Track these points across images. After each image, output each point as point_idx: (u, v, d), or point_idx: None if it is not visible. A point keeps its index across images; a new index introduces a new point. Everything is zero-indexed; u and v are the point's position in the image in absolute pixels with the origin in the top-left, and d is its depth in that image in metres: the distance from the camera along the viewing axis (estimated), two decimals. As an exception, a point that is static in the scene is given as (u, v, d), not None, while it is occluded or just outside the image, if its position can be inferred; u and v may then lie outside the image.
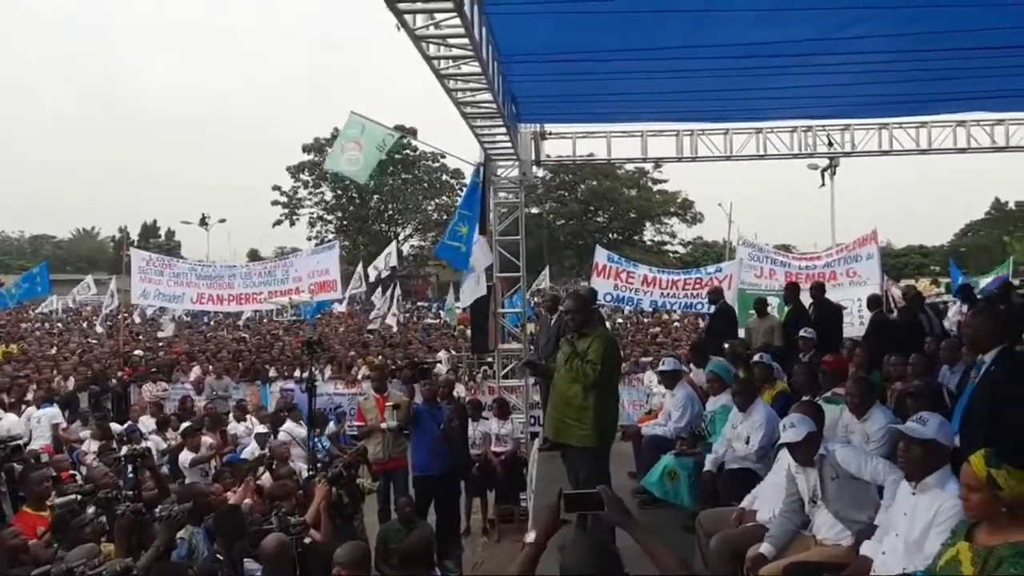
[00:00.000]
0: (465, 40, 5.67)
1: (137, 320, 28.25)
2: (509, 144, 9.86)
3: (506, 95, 8.03)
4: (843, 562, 4.12)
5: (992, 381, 4.42)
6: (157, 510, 5.46)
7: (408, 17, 5.40)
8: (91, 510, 5.63)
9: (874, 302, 10.61)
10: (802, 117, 10.82)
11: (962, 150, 11.50)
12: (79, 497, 5.46)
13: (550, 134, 11.53)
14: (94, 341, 23.33)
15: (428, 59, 5.88)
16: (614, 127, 11.58)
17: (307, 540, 5.56)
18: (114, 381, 16.38)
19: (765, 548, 4.56)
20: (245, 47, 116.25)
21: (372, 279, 24.59)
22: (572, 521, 2.94)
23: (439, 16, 5.51)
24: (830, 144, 16.29)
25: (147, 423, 12.10)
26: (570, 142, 11.84)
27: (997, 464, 3.12)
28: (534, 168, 11.79)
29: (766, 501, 5.15)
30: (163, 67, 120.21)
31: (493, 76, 6.73)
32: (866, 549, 4.06)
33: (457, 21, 5.36)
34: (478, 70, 6.54)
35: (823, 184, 25.97)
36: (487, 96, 7.29)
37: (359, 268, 24.77)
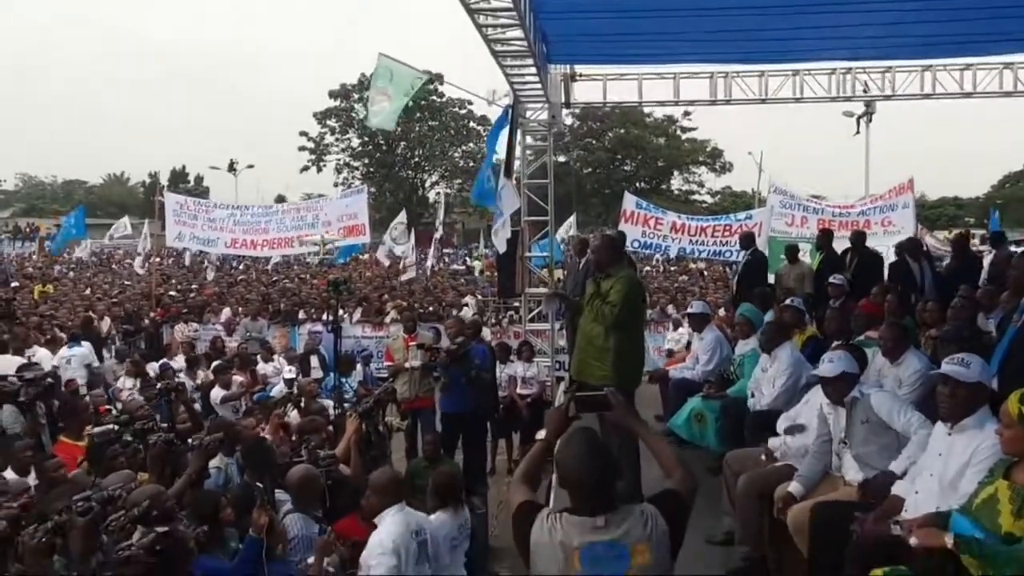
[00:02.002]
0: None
1: (181, 263, 28.66)
2: (539, 85, 9.67)
3: (537, 32, 7.83)
4: (872, 501, 4.09)
5: (1034, 324, 4.33)
6: (189, 441, 5.60)
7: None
8: (127, 439, 5.78)
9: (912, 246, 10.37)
10: (841, 59, 10.45)
11: (1008, 93, 11.08)
12: (116, 427, 5.58)
13: (580, 76, 11.28)
14: (127, 283, 23.71)
15: (459, -9, 5.74)
16: (645, 69, 11.28)
17: (337, 474, 5.67)
18: (147, 321, 16.72)
19: (794, 487, 4.55)
20: None
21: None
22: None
23: (470, -56, 5.36)
24: (866, 91, 15.89)
25: (178, 362, 12.35)
26: (600, 84, 11.58)
27: None
28: (563, 111, 11.58)
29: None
30: (190, 13, 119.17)
31: (525, 11, 6.56)
32: (898, 489, 4.02)
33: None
34: (509, 4, 6.37)
35: (858, 132, 25.36)
36: (518, 33, 7.12)
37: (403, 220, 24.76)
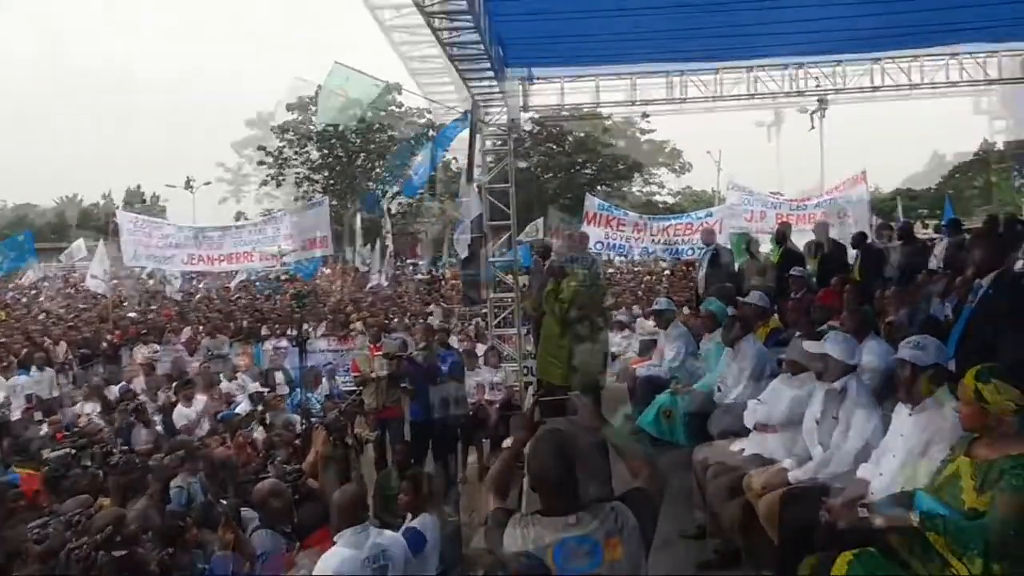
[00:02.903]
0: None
1: (140, 285, 28.09)
2: (496, 89, 9.67)
3: (492, 36, 7.83)
4: (841, 485, 4.13)
5: (990, 303, 4.42)
6: (150, 462, 5.48)
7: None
8: (86, 464, 5.64)
9: (859, 239, 10.59)
10: (792, 54, 10.62)
11: (954, 83, 11.36)
12: (73, 451, 5.43)
13: (537, 79, 11.31)
14: (83, 306, 23.14)
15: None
16: (602, 71, 11.36)
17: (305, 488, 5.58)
18: (104, 344, 16.31)
19: (788, 463, 4.59)
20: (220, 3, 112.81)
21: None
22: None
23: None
24: (818, 86, 16.16)
25: (139, 385, 12.08)
26: (558, 87, 11.62)
27: (986, 379, 3.17)
28: (522, 114, 11.59)
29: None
30: (146, 29, 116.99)
31: (479, 14, 6.55)
32: (862, 472, 4.07)
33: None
34: (464, 8, 6.35)
35: (812, 127, 25.84)
36: (473, 36, 7.10)
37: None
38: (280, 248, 14.40)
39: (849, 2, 7.55)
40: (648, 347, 12.14)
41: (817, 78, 11.63)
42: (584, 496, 2.67)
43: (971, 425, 3.25)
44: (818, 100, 22.46)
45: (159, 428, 9.10)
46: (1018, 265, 5.46)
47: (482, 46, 7.32)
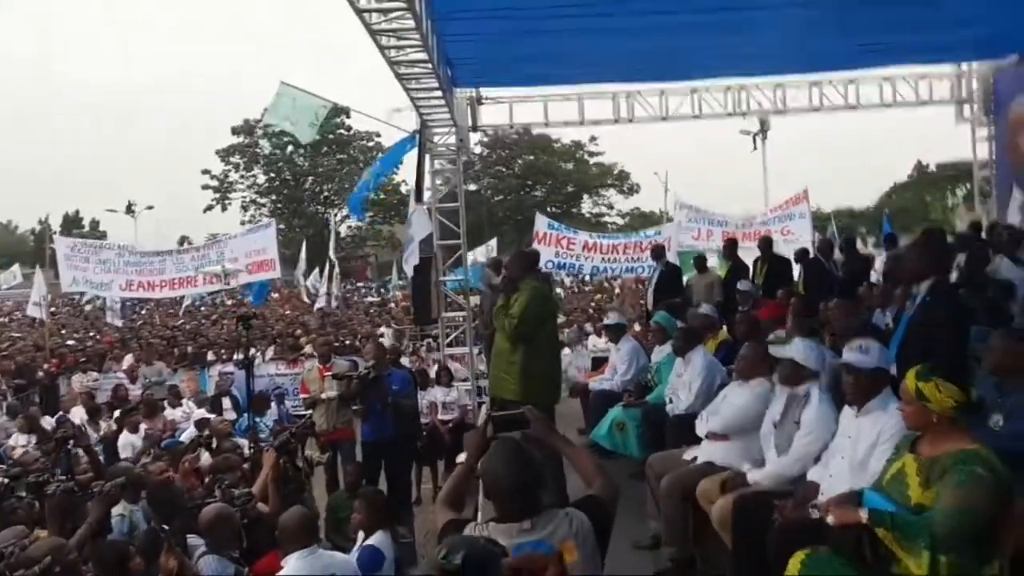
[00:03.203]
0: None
1: (79, 312, 27.23)
2: (445, 109, 9.69)
3: (441, 56, 7.86)
4: (791, 489, 4.20)
5: (927, 309, 4.54)
6: (91, 488, 5.26)
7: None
8: (20, 495, 5.40)
9: (802, 254, 10.88)
10: (735, 75, 10.93)
11: (887, 105, 11.83)
12: (6, 480, 5.19)
13: (486, 99, 11.39)
14: (17, 335, 22.35)
15: (359, 12, 5.69)
16: (550, 91, 11.52)
17: (253, 512, 5.42)
18: (41, 374, 15.75)
19: (747, 467, 4.65)
20: (160, 22, 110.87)
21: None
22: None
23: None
24: (760, 106, 16.63)
25: (78, 414, 11.67)
26: (506, 107, 11.73)
27: (926, 378, 3.25)
28: (471, 136, 11.64)
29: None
30: (75, 46, 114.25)
31: (427, 33, 6.57)
32: (812, 475, 4.15)
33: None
34: (411, 25, 6.36)
35: (755, 148, 26.51)
36: (421, 55, 7.11)
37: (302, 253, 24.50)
38: (224, 268, 13.98)
39: (788, 26, 7.78)
40: (599, 364, 12.25)
41: (759, 100, 11.97)
42: (538, 503, 2.67)
43: (914, 423, 3.34)
44: (760, 122, 23.11)
45: (100, 458, 8.79)
46: (952, 275, 5.65)
47: (430, 65, 7.34)
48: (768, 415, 4.66)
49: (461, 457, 3.15)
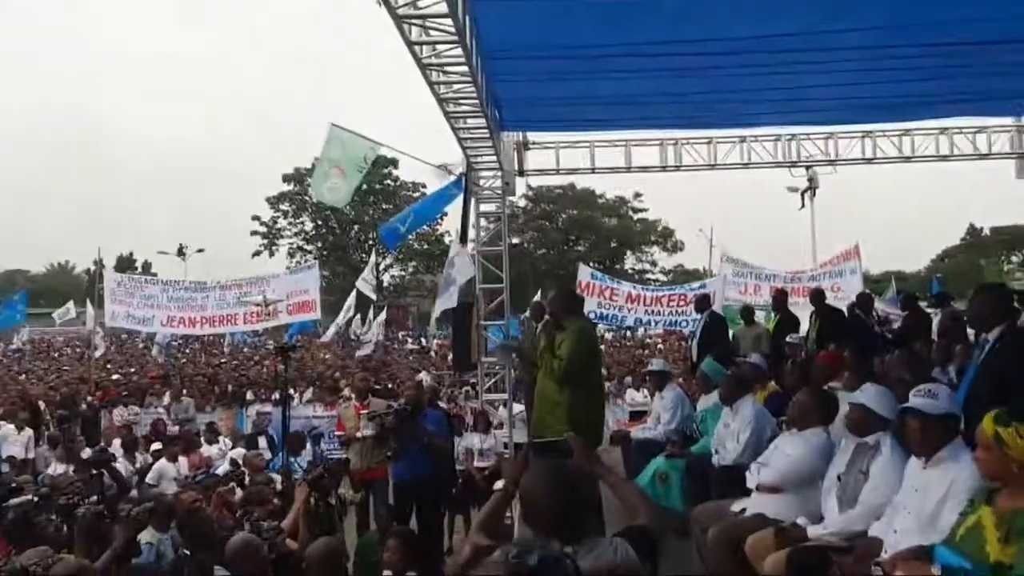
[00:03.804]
0: (450, 27, 5.54)
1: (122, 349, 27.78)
2: (492, 151, 9.72)
3: (489, 96, 7.90)
4: (851, 545, 3.90)
5: (998, 356, 4.28)
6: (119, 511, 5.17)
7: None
8: (50, 517, 5.33)
9: (864, 301, 10.53)
10: (785, 123, 10.79)
11: (944, 157, 11.53)
12: (35, 499, 5.13)
13: (533, 144, 11.42)
14: (66, 368, 22.81)
15: (410, 44, 5.73)
16: (597, 136, 11.49)
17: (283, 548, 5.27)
18: (84, 406, 15.94)
19: (802, 520, 4.35)
20: (215, 74, 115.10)
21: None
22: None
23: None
24: (809, 168, 16.41)
25: (115, 447, 11.73)
26: (553, 153, 11.74)
27: (1006, 423, 2.99)
28: (517, 180, 11.65)
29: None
30: (132, 98, 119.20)
31: (476, 70, 6.59)
32: (875, 531, 3.85)
33: (442, 7, 5.24)
34: (462, 68, 6.40)
35: (803, 206, 26.11)
36: (470, 90, 7.14)
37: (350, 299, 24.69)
38: (265, 297, 14.03)
39: (842, 70, 7.65)
40: (637, 419, 11.95)
41: (809, 150, 11.80)
42: (581, 528, 2.48)
43: (991, 472, 3.07)
44: (808, 180, 22.84)
45: (135, 493, 8.77)
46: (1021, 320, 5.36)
47: (478, 103, 7.36)
48: (832, 467, 4.37)
49: (499, 484, 2.98)
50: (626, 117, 9.59)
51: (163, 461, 9.34)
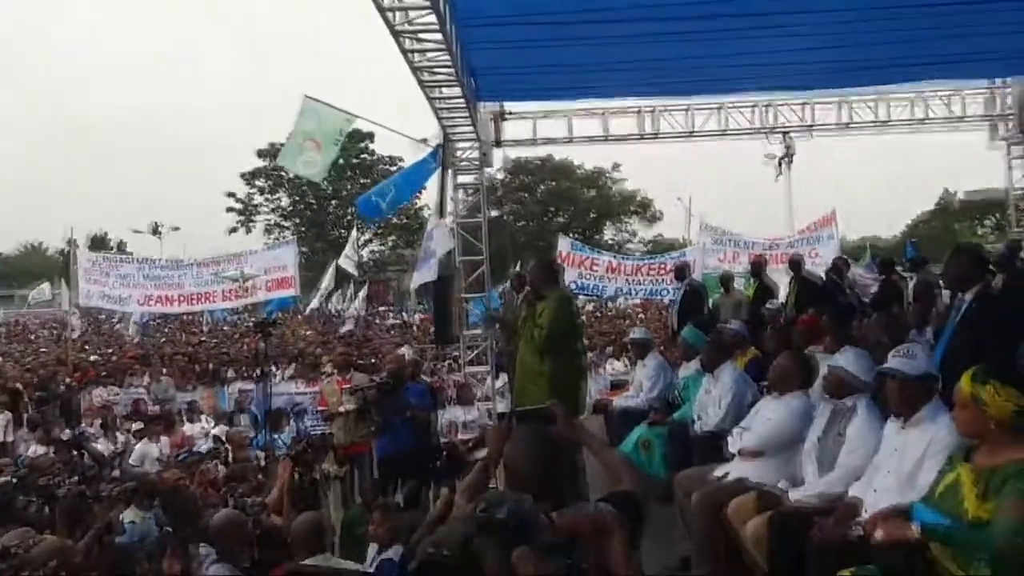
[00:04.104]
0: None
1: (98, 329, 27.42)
2: (468, 121, 9.62)
3: (464, 65, 7.79)
4: (831, 506, 3.95)
5: (974, 316, 4.33)
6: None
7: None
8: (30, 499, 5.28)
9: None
10: (761, 89, 10.75)
11: (920, 122, 11.60)
12: (14, 480, 5.08)
13: (510, 114, 11.32)
14: (43, 350, 22.51)
15: (382, 10, 5.61)
16: (574, 105, 11.42)
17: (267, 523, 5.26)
18: (62, 388, 15.76)
19: (783, 484, 4.40)
20: (188, 49, 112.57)
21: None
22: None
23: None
24: (785, 136, 16.38)
25: (96, 428, 11.65)
26: (530, 123, 11.65)
27: (983, 380, 3.02)
28: (495, 151, 11.55)
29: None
30: (102, 76, 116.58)
31: (451, 37, 6.49)
32: (854, 491, 3.88)
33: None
34: (436, 35, 6.30)
35: (779, 175, 26.19)
36: (445, 59, 7.03)
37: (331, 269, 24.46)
38: (242, 272, 13.87)
39: (817, 34, 7.62)
40: (619, 387, 12.00)
41: (786, 116, 11.79)
42: (564, 493, 2.48)
43: (969, 430, 3.10)
44: (785, 147, 22.90)
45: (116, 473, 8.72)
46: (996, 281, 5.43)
47: (453, 72, 7.26)
48: (811, 430, 4.41)
49: (481, 453, 2.98)
50: (602, 85, 9.51)
51: (145, 442, 9.29)
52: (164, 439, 10.07)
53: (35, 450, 10.16)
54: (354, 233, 29.97)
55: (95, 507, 4.79)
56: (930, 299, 8.83)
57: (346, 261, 23.72)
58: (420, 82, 7.59)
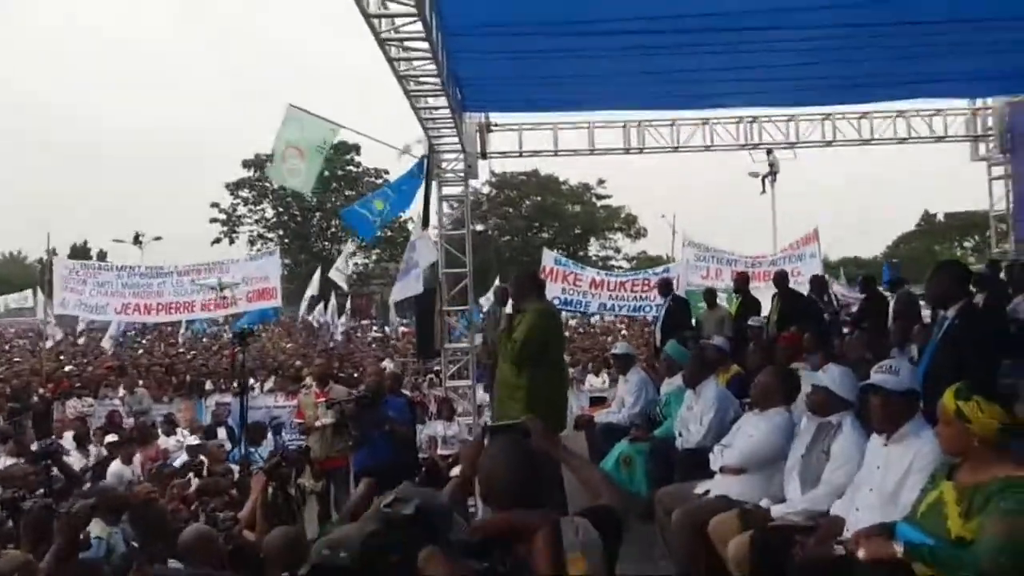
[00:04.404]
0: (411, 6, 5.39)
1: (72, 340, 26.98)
2: (454, 132, 9.56)
3: (450, 75, 7.74)
4: (814, 524, 3.89)
5: (957, 332, 4.30)
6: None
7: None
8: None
9: (816, 283, 10.65)
10: (747, 104, 10.80)
11: (903, 140, 11.68)
12: (-23, 492, 4.91)
13: (495, 126, 11.29)
14: (17, 360, 22.13)
15: (367, 16, 5.55)
16: (560, 117, 11.41)
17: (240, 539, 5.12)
18: (36, 399, 15.47)
19: (765, 501, 4.34)
20: (170, 60, 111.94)
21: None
22: None
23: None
24: (769, 153, 16.44)
25: (69, 441, 11.40)
26: (516, 135, 11.62)
27: (967, 397, 2.96)
28: (480, 163, 11.50)
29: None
30: (84, 85, 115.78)
31: (437, 47, 6.44)
32: (836, 509, 3.83)
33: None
34: (423, 44, 6.24)
35: (764, 191, 26.37)
36: (431, 71, 6.98)
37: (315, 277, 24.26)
38: (220, 280, 13.67)
39: (802, 49, 7.66)
40: (596, 405, 11.94)
41: (771, 132, 11.84)
42: (539, 505, 2.39)
43: (952, 447, 3.05)
44: (769, 164, 23.04)
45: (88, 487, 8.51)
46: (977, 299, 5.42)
47: (439, 81, 7.21)
48: (794, 447, 4.36)
49: (456, 471, 2.90)
50: (588, 97, 9.51)
51: (118, 463, 9.06)
52: (137, 457, 9.80)
53: (4, 461, 9.93)
54: (349, 246, 29.77)
55: (57, 522, 4.62)
56: (912, 317, 8.87)
57: (337, 274, 23.53)
58: (406, 91, 7.53)
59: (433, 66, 6.68)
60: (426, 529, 1.95)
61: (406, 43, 6.33)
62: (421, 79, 7.31)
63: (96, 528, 5.11)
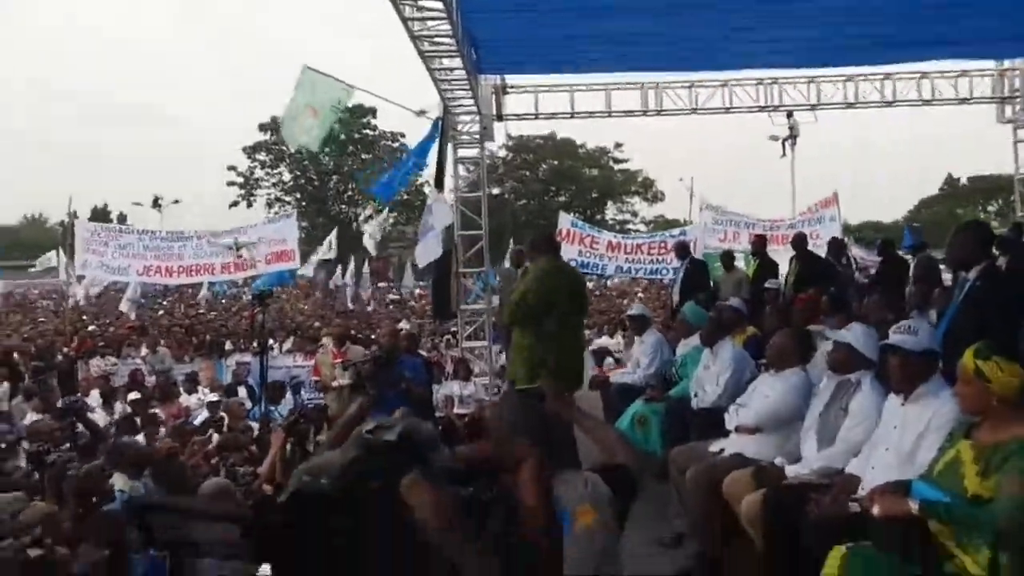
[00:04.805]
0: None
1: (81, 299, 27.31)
2: (469, 93, 9.48)
3: (465, 35, 7.65)
4: (829, 482, 3.90)
5: (979, 294, 4.26)
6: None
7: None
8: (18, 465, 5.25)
9: (835, 246, 10.53)
10: (767, 65, 10.59)
11: (926, 102, 11.44)
12: (3, 445, 5.03)
13: (511, 87, 11.16)
14: (42, 320, 22.49)
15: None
16: (577, 79, 11.25)
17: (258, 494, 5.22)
18: (60, 357, 15.73)
19: (780, 460, 4.35)
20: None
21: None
22: None
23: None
24: (790, 115, 16.14)
25: (94, 398, 11.60)
26: (532, 97, 11.49)
27: (987, 356, 2.95)
28: (496, 125, 11.41)
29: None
30: (103, 44, 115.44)
31: (452, 6, 6.35)
32: (852, 468, 3.84)
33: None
34: (438, 5, 6.16)
35: (784, 154, 26.03)
36: (446, 31, 6.90)
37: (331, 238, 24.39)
38: (236, 240, 13.80)
39: (825, 11, 7.49)
40: (600, 356, 11.98)
41: (791, 95, 11.63)
42: (553, 463, 2.40)
43: (972, 407, 3.04)
44: (789, 128, 22.68)
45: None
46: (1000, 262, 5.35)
47: (454, 42, 7.12)
48: (813, 405, 4.35)
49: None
50: (606, 58, 9.36)
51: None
52: (159, 412, 9.95)
53: (31, 418, 10.13)
54: (384, 213, 29.83)
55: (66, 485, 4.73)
56: (932, 281, 8.78)
57: (369, 240, 23.70)
58: (420, 52, 7.45)
59: (448, 26, 6.59)
60: (409, 456, 1.92)
61: (420, 2, 6.24)
62: (436, 39, 7.22)
63: (119, 481, 5.23)
